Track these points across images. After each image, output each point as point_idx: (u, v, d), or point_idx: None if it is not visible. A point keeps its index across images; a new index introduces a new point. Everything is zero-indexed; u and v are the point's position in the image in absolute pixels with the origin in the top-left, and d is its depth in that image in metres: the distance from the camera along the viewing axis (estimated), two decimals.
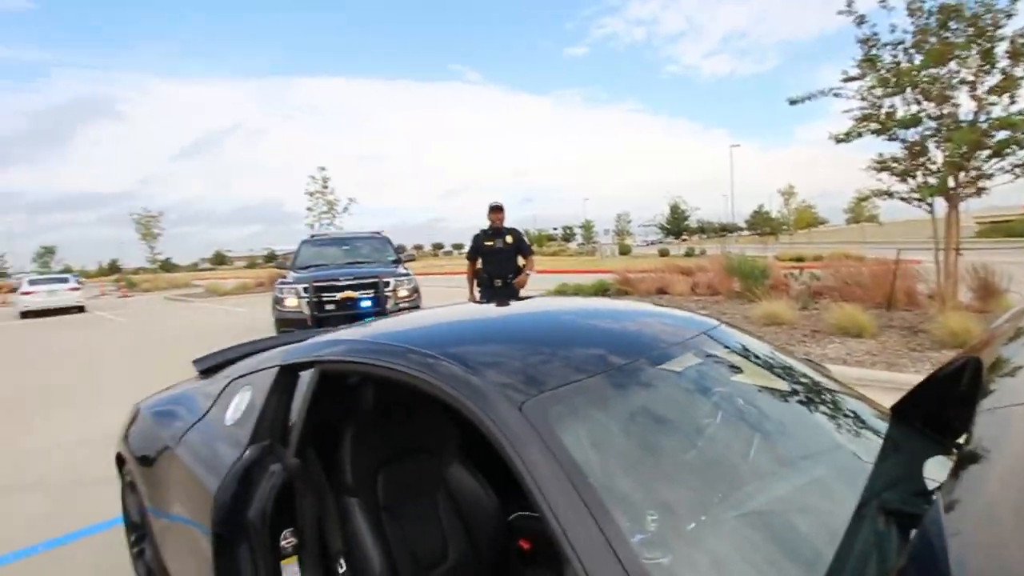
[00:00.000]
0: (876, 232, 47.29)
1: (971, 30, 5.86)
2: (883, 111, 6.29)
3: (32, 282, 19.17)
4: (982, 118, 5.73)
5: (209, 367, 2.36)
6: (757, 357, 1.66)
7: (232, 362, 2.23)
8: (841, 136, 6.86)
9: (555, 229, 79.52)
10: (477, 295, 5.54)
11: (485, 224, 5.62)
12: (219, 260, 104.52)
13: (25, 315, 17.49)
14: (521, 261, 5.57)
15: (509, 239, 5.46)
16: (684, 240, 58.43)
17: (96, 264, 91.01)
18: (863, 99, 6.27)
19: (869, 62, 6.40)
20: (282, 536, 1.52)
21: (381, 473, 1.73)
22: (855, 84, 6.31)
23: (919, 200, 6.21)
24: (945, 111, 6.15)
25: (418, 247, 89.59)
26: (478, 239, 5.58)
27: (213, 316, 14.87)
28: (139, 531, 2.30)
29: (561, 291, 10.19)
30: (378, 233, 9.35)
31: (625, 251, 46.28)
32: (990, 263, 7.02)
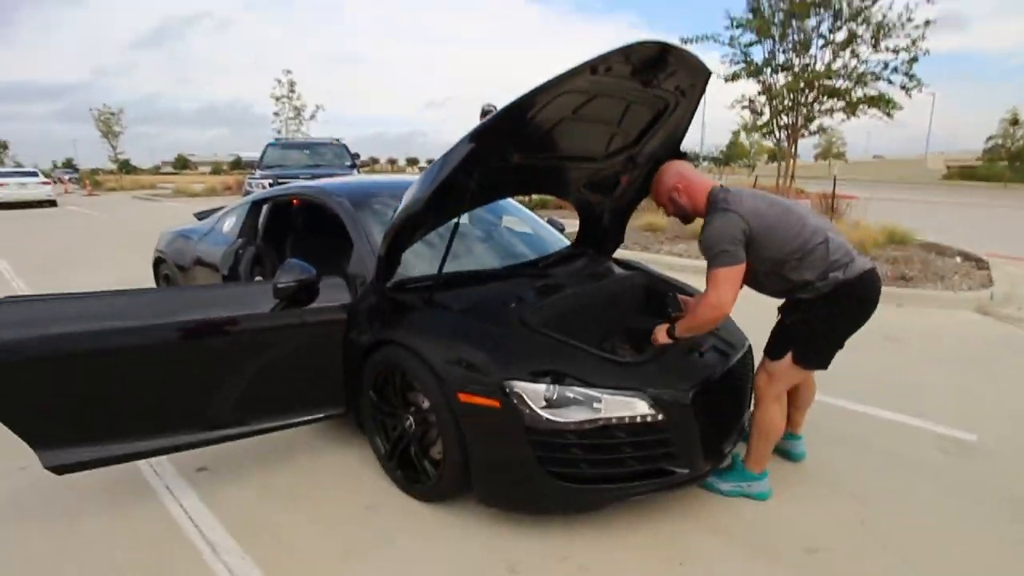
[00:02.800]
0: (844, 169, 49.67)
1: None
2: (748, 59, 7.73)
3: (1, 174, 19.61)
4: (805, 70, 7.26)
5: (202, 215, 4.05)
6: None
7: (212, 212, 3.90)
8: (728, 77, 8.30)
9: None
10: None
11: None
12: (182, 164, 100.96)
13: None
14: None
15: None
16: None
17: (50, 162, 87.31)
18: (731, 46, 7.67)
19: (754, 12, 7.72)
20: (255, 277, 3.18)
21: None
22: (728, 33, 7.66)
23: (767, 133, 7.85)
24: (804, 61, 7.65)
25: (392, 161, 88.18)
26: None
27: (186, 215, 15.94)
28: None
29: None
30: (337, 140, 10.61)
31: None
32: (879, 198, 8.71)
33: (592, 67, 1.79)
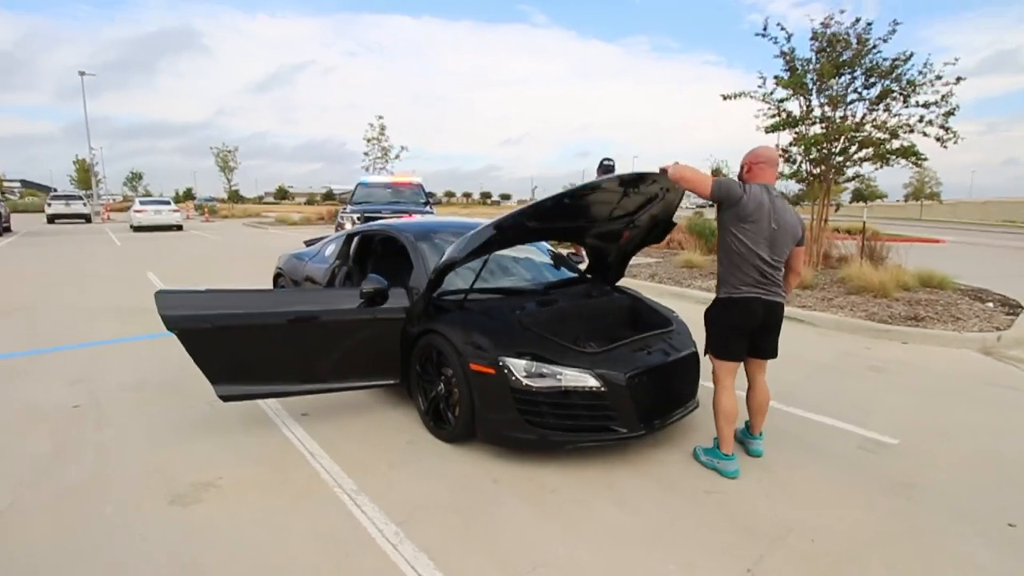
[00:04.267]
0: (942, 211, 46.54)
1: (855, 49, 7.81)
2: (783, 112, 8.39)
3: (142, 202, 23.41)
4: (832, 123, 7.81)
5: (310, 242, 5.40)
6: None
7: (317, 240, 5.23)
8: (768, 128, 8.96)
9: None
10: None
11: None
12: (282, 195, 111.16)
13: (137, 229, 21.59)
14: None
15: None
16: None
17: (173, 191, 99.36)
18: (765, 101, 8.36)
19: (791, 71, 8.41)
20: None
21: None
22: (760, 91, 8.37)
23: (799, 179, 8.40)
24: (839, 114, 8.21)
25: (467, 195, 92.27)
26: None
27: (285, 240, 18.24)
28: None
29: None
30: (415, 182, 12.27)
31: None
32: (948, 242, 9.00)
33: (593, 187, 2.90)
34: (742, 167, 2.85)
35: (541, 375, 2.80)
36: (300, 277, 4.94)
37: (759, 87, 8.41)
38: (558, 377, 2.79)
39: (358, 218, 10.08)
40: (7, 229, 20.41)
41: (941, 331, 5.61)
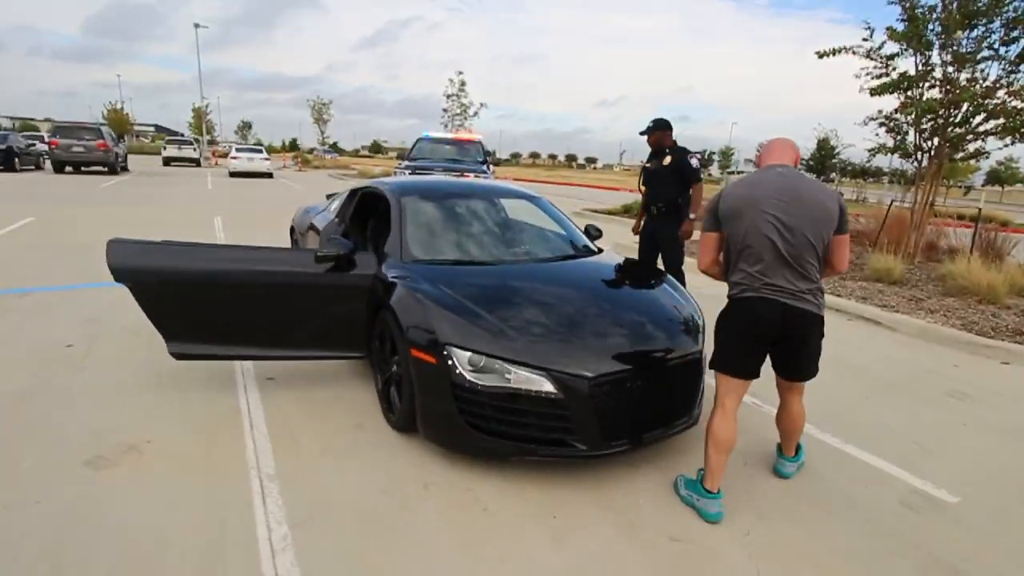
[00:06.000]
0: None
1: None
2: (892, 70, 6.96)
3: (238, 149, 24.93)
4: (956, 86, 6.32)
5: (331, 196, 5.20)
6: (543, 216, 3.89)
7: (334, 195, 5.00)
8: (875, 90, 7.54)
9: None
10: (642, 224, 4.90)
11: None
12: (376, 149, 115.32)
13: (233, 175, 23.05)
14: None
15: (667, 160, 4.56)
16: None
17: (280, 141, 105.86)
18: (870, 58, 6.96)
19: (909, 19, 6.91)
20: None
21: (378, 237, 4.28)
22: (866, 45, 6.96)
23: (904, 154, 7.00)
24: (965, 76, 6.67)
25: (552, 156, 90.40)
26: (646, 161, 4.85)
27: None
28: None
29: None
30: (476, 140, 11.82)
31: None
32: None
33: None
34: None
35: (488, 371, 2.36)
36: (305, 230, 4.77)
37: (864, 40, 7.01)
38: (507, 376, 2.34)
39: (410, 174, 9.87)
40: (124, 168, 22.51)
41: None
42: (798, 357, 2.35)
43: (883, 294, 5.85)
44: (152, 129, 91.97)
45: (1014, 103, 6.09)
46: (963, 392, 3.83)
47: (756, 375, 2.30)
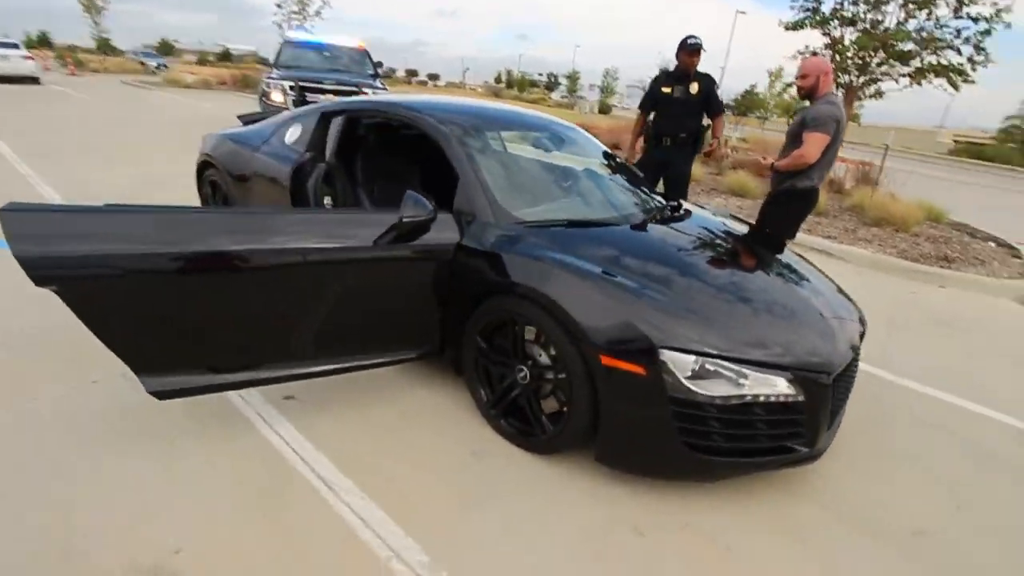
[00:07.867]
0: (857, 133, 48.63)
1: None
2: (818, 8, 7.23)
3: None
4: (875, 27, 6.83)
5: (249, 120, 3.81)
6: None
7: (261, 119, 3.71)
8: (790, 24, 7.78)
9: (540, 75, 74.94)
10: (638, 155, 4.40)
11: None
12: (166, 49, 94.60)
13: None
14: (706, 121, 4.26)
15: (695, 88, 4.07)
16: None
17: (22, 33, 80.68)
18: None
19: None
20: (324, 197, 2.96)
21: (376, 183, 3.18)
22: None
23: None
24: (875, 17, 7.17)
25: (392, 70, 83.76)
26: (655, 84, 4.25)
27: (180, 108, 15.01)
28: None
29: None
30: (362, 48, 9.89)
31: (605, 110, 45.41)
32: (891, 168, 8.49)
33: None
34: (806, 77, 3.34)
35: (714, 376, 1.79)
36: (247, 172, 3.37)
37: None
38: (741, 382, 1.79)
39: (290, 87, 7.94)
40: None
41: (976, 275, 5.23)
42: None
43: (820, 225, 6.31)
44: None
45: (909, 48, 6.73)
46: (943, 320, 4.23)
47: None
